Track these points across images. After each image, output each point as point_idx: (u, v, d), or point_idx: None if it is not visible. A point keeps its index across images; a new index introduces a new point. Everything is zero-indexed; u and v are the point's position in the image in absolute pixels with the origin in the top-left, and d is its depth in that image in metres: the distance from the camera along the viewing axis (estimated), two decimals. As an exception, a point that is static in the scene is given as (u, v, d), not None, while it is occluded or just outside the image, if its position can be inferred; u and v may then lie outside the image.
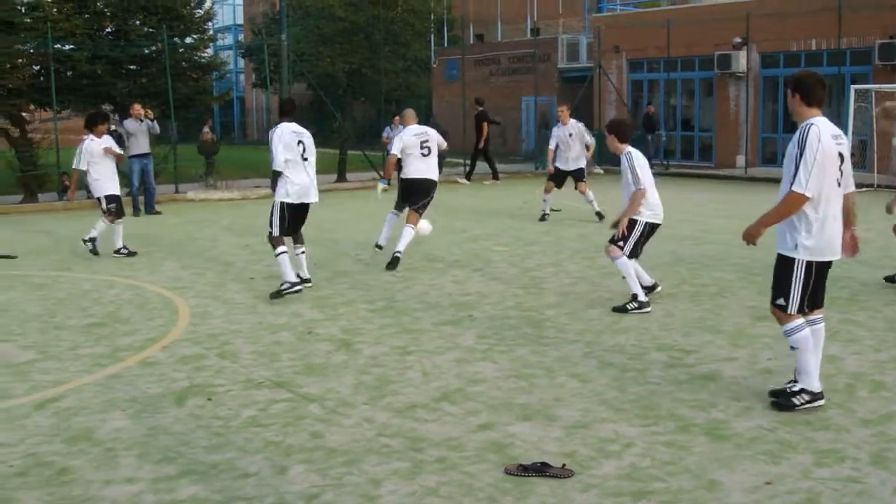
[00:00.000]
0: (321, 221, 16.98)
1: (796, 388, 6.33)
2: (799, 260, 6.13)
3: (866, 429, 5.92)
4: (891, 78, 25.52)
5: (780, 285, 6.25)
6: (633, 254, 9.56)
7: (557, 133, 17.18)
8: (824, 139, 5.99)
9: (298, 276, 10.31)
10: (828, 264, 6.28)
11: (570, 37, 39.45)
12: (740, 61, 28.96)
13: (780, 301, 6.24)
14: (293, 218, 10.29)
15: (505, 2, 48.27)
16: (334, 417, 6.22)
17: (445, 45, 44.62)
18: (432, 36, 42.98)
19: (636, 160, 9.58)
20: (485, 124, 26.17)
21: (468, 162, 27.51)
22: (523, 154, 37.15)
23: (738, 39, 28.92)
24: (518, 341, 8.16)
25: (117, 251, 13.06)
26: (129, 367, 7.51)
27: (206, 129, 27.73)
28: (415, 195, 11.95)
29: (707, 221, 16.57)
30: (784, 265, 6.23)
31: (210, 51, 39.12)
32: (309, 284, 10.52)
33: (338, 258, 12.76)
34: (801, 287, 6.16)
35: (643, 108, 32.79)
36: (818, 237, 6.10)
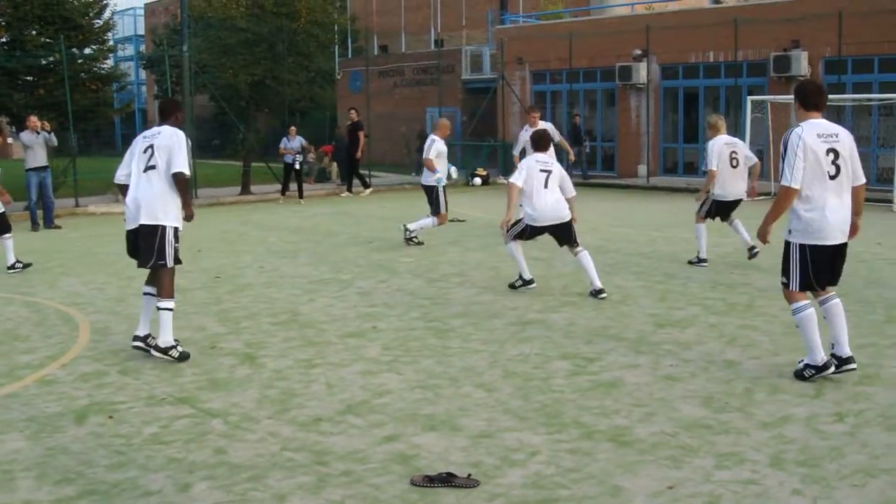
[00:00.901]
0: (224, 233, 16.83)
1: (801, 365, 7.19)
2: (794, 244, 7.02)
3: (765, 431, 6.04)
4: (785, 89, 26.15)
5: (784, 266, 7.15)
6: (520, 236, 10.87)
7: (524, 137, 16.94)
8: (805, 138, 6.85)
9: (145, 338, 8.13)
10: (828, 248, 6.98)
11: (474, 48, 39.69)
12: (641, 73, 29.43)
13: (783, 279, 7.16)
14: (133, 249, 8.22)
15: (409, 14, 48.40)
16: (238, 432, 6.14)
17: (350, 56, 44.53)
18: (336, 47, 42.84)
19: (524, 162, 10.76)
20: (361, 134, 25.80)
21: (371, 172, 27.50)
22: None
23: (639, 51, 29.41)
24: (423, 352, 8.15)
25: (11, 267, 12.71)
26: (26, 387, 7.32)
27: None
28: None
29: (609, 230, 16.78)
30: (785, 249, 7.13)
31: (110, 62, 38.48)
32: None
33: (241, 271, 12.62)
34: (798, 268, 7.02)
35: (548, 118, 33.06)
36: (810, 224, 6.91)
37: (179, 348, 7.99)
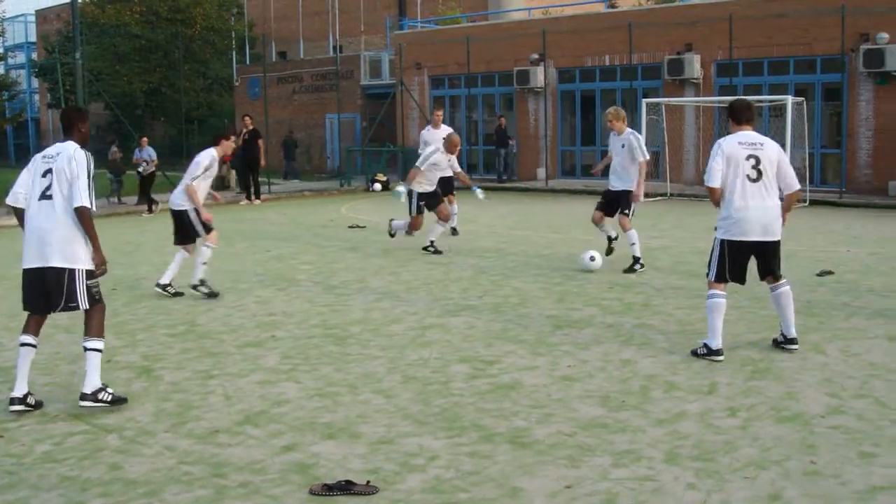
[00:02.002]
0: (120, 244, 16.52)
1: (701, 343, 7.95)
2: (716, 238, 7.88)
3: (660, 428, 6.15)
4: (679, 91, 26.70)
5: (708, 258, 8.01)
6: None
7: (426, 137, 16.79)
8: (725, 146, 7.79)
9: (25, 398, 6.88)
10: (745, 244, 7.79)
11: (373, 54, 39.70)
12: (538, 77, 29.71)
13: (706, 270, 8.07)
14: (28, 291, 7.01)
15: (307, 20, 48.19)
16: (133, 447, 6.04)
17: (248, 62, 44.16)
18: (234, 54, 42.48)
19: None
20: (261, 141, 25.21)
21: (270, 179, 27.24)
22: (329, 171, 37.09)
23: (536, 55, 29.69)
24: (322, 360, 8.11)
25: None
26: (-89, 406, 7.10)
27: (115, 148, 27.78)
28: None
29: (508, 233, 16.91)
30: (713, 245, 7.97)
31: (0, 70, 37.61)
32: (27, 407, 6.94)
33: (137, 282, 12.41)
34: (717, 260, 7.85)
35: (447, 122, 33.19)
36: (730, 221, 7.75)
37: (110, 390, 6.90)
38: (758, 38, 25.10)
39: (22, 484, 5.46)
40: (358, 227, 18.32)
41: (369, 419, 6.47)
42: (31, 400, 6.89)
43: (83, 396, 6.80)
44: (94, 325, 6.91)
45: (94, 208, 6.75)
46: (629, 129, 12.51)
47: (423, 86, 33.44)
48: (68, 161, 6.74)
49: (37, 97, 64.45)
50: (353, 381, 7.44)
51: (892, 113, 23.37)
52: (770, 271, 8.00)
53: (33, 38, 65.82)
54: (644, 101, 24.80)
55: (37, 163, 6.94)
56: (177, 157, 29.60)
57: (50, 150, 6.97)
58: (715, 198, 7.86)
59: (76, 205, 6.66)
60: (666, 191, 24.51)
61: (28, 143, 65.74)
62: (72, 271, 6.74)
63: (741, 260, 7.87)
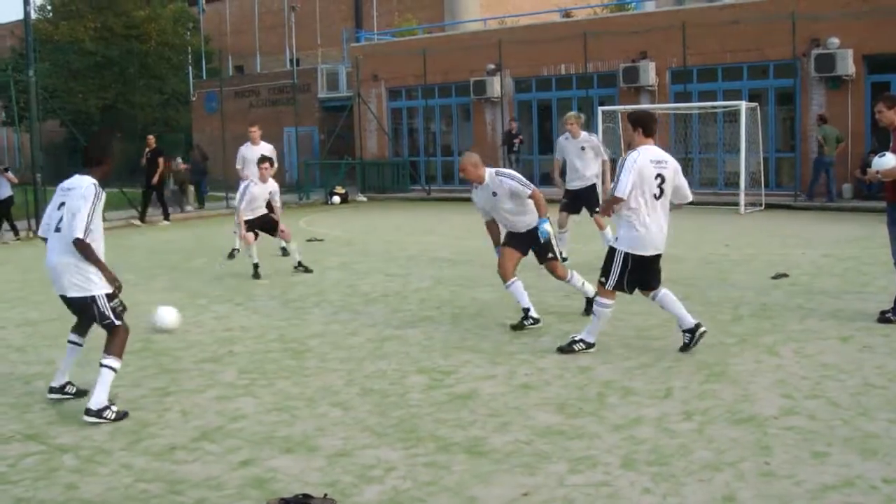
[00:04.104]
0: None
1: (577, 338, 8.36)
2: (618, 250, 8.03)
3: (617, 434, 6.19)
4: (635, 99, 26.88)
5: (605, 268, 8.16)
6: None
7: (244, 154, 16.69)
8: (640, 161, 7.89)
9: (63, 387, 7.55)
10: (644, 258, 8.04)
11: (330, 66, 39.67)
12: (495, 86, 29.82)
13: (602, 279, 8.17)
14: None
15: (263, 34, 48.13)
16: (90, 466, 5.99)
17: (204, 77, 43.99)
18: (190, 69, 42.31)
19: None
20: (161, 160, 24.56)
21: (228, 194, 27.04)
22: (287, 185, 36.96)
23: (492, 66, 29.80)
24: (280, 374, 8.09)
25: None
26: None
27: (180, 160, 28.68)
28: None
29: (464, 244, 16.93)
30: (609, 253, 8.17)
31: (-49, 88, 37.18)
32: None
33: (94, 300, 12.29)
34: (618, 271, 8.05)
35: (404, 134, 33.32)
36: (632, 235, 7.96)
37: (114, 408, 7.00)
38: (711, 44, 25.34)
39: (-25, 506, 5.41)
40: (316, 240, 18.28)
41: (327, 432, 6.46)
42: (70, 389, 7.58)
43: (88, 412, 6.90)
44: (115, 343, 7.19)
45: (82, 236, 6.92)
46: (585, 132, 13.06)
47: (381, 98, 33.45)
48: (77, 197, 7.03)
49: (-9, 115, 63.83)
50: (311, 394, 7.43)
51: (844, 116, 23.66)
52: (654, 285, 8.31)
53: (-14, 56, 65.22)
54: (600, 109, 24.95)
55: (56, 194, 7.25)
56: (134, 174, 29.38)
57: (66, 183, 7.26)
58: (616, 205, 7.99)
59: (71, 238, 6.92)
60: (623, 198, 24.65)
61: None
62: (92, 298, 7.13)
63: (639, 272, 8.12)
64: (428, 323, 10.00)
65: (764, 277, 12.01)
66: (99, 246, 7.15)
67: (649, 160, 7.94)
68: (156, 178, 24.50)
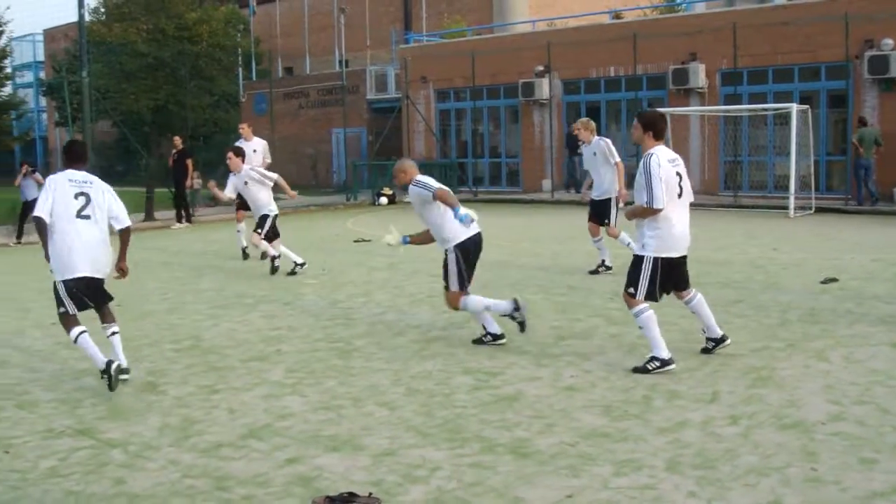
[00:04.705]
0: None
1: (648, 357, 7.83)
2: (647, 257, 7.75)
3: (662, 437, 6.17)
4: (684, 101, 26.73)
5: (632, 278, 7.83)
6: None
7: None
8: (662, 164, 7.67)
9: (109, 363, 7.72)
10: (675, 260, 7.89)
11: (378, 68, 39.79)
12: (543, 88, 29.77)
13: (631, 290, 7.81)
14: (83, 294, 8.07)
15: (313, 35, 48.35)
16: (138, 462, 6.07)
17: (254, 78, 44.29)
18: (240, 70, 42.59)
19: None
20: (189, 161, 24.52)
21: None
22: (335, 186, 37.17)
23: (541, 68, 29.75)
24: (326, 373, 8.15)
25: None
26: (-82, 424, 7.15)
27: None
28: None
29: (513, 246, 16.92)
30: (636, 262, 7.85)
31: (8, 89, 37.80)
32: (126, 376, 8.05)
33: (144, 298, 12.46)
34: (648, 279, 7.76)
35: (452, 136, 33.38)
36: (660, 239, 7.74)
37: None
38: (762, 46, 25.13)
39: (27, 499, 5.50)
40: (363, 241, 18.35)
41: (373, 431, 6.50)
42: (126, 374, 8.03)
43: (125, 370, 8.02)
44: (111, 312, 8.32)
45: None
46: (597, 137, 13.10)
47: (429, 99, 33.52)
48: (104, 192, 7.98)
49: (44, 116, 64.69)
50: (358, 393, 7.48)
51: (897, 119, 23.39)
52: (684, 285, 8.17)
53: (41, 58, 66.03)
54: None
55: (61, 184, 7.86)
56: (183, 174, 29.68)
57: (77, 176, 7.96)
58: (650, 214, 7.72)
59: (125, 225, 8.10)
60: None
61: (36, 161, 66.01)
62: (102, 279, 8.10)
63: (671, 275, 7.93)
64: (474, 324, 9.99)
65: (813, 282, 11.90)
66: None
67: (667, 160, 7.78)
68: (189, 182, 24.67)
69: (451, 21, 39.84)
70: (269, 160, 17.08)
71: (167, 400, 7.52)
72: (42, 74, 64.22)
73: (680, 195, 7.84)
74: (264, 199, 14.08)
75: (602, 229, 13.17)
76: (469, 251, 9.11)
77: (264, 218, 14.02)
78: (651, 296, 7.82)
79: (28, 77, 65.89)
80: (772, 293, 11.24)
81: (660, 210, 7.64)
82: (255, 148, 16.72)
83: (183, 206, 24.76)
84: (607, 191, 12.94)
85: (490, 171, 32.88)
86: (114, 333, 8.23)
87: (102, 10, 39.92)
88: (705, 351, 8.30)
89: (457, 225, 8.96)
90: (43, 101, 63.93)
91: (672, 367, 7.71)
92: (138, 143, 29.76)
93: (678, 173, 7.83)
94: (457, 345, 9.07)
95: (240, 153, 14.46)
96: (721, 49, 25.75)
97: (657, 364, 7.73)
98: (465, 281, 9.03)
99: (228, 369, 8.43)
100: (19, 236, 20.89)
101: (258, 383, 7.91)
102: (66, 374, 8.48)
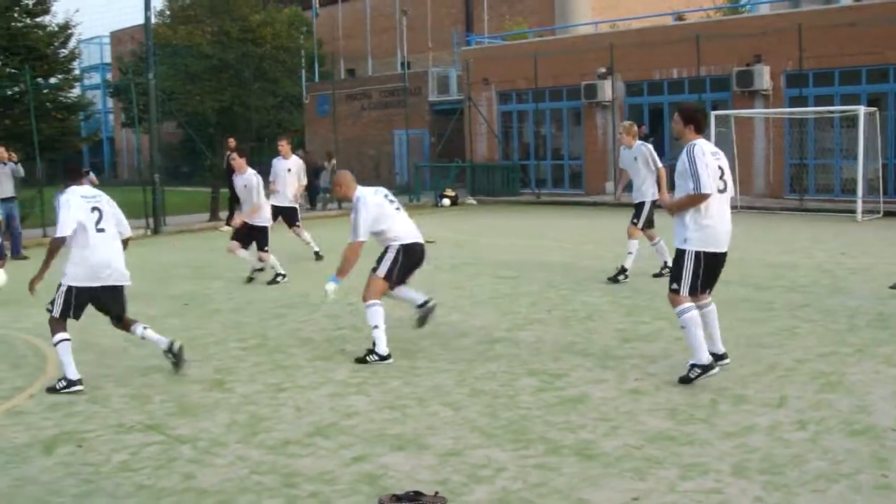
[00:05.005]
0: (192, 260, 16.82)
1: (689, 365, 7.57)
2: (689, 251, 7.51)
3: (728, 441, 6.13)
4: (749, 103, 26.46)
5: (675, 273, 7.64)
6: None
7: (276, 167, 16.39)
8: (707, 153, 7.48)
9: (171, 343, 8.41)
10: (718, 255, 7.63)
11: (440, 70, 39.86)
12: (606, 90, 29.65)
13: (674, 286, 7.58)
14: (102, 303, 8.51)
15: (375, 37, 48.55)
16: (207, 458, 6.17)
17: (317, 80, 44.60)
18: (303, 72, 42.92)
19: None
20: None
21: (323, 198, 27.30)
22: (397, 187, 37.32)
23: (603, 69, 29.64)
24: (391, 373, 8.20)
25: None
26: (-7, 417, 7.32)
27: (334, 161, 29.46)
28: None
29: (577, 248, 16.90)
30: (678, 257, 7.62)
31: (76, 91, 38.42)
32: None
33: (209, 297, 12.63)
34: (691, 273, 7.52)
35: (514, 138, 33.38)
36: (703, 232, 7.48)
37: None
38: (828, 47, 24.79)
39: (100, 492, 5.61)
40: (427, 241, 18.35)
41: (438, 431, 6.53)
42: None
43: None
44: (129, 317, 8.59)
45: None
46: (639, 142, 13.02)
47: (491, 101, 33.52)
48: (111, 204, 8.51)
49: (111, 117, 65.69)
50: (422, 393, 7.52)
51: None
52: (713, 285, 7.93)
53: (108, 59, 67.04)
54: (713, 113, 24.63)
55: (76, 201, 8.23)
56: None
57: (87, 192, 8.43)
58: (695, 204, 7.44)
59: (130, 235, 8.78)
60: (735, 203, 24.26)
61: (103, 161, 67.01)
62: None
63: (713, 271, 7.70)
64: (538, 326, 10.02)
65: (882, 286, 11.72)
66: None
67: (710, 152, 7.55)
68: None
69: (513, 23, 39.80)
70: (303, 181, 16.65)
71: (235, 397, 7.62)
72: (109, 76, 65.23)
73: (722, 190, 7.58)
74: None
75: (655, 233, 13.13)
76: (412, 254, 9.17)
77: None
78: (695, 291, 7.62)
79: (95, 79, 66.93)
80: (839, 298, 11.10)
81: (707, 196, 7.36)
82: (290, 167, 16.19)
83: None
84: (644, 193, 12.88)
85: (552, 173, 32.80)
86: (145, 328, 8.52)
87: (168, 12, 40.41)
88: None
89: (404, 228, 9.19)
90: (110, 103, 64.91)
91: (714, 371, 7.50)
92: (203, 144, 30.12)
93: (720, 167, 7.59)
94: (521, 346, 9.07)
95: (244, 154, 14.23)
96: (786, 51, 25.46)
97: (698, 371, 7.48)
98: (393, 273, 8.97)
99: (294, 368, 8.52)
100: None
101: (324, 382, 7.98)
102: (136, 371, 8.62)
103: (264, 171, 15.19)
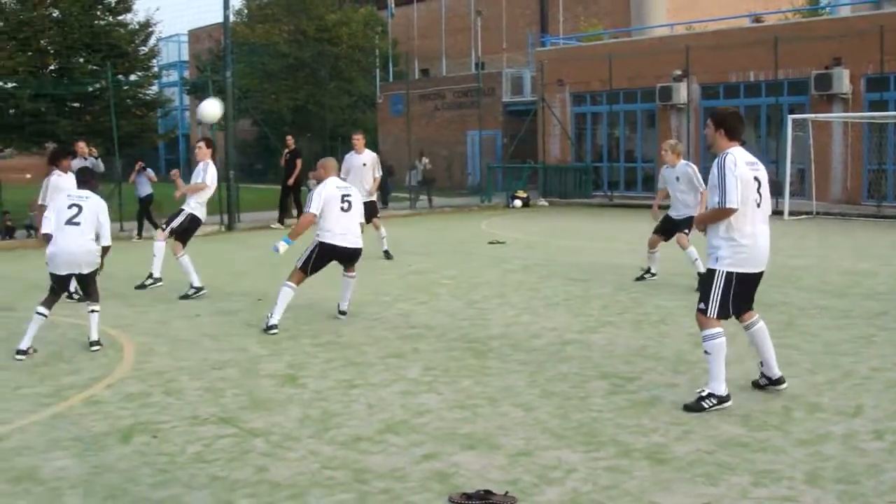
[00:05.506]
0: (262, 256, 16.98)
1: (704, 394, 7.00)
2: (720, 271, 6.98)
3: (802, 449, 6.06)
4: (827, 107, 26.08)
5: (704, 293, 7.14)
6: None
7: (351, 162, 16.26)
8: (739, 164, 6.90)
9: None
10: (752, 276, 7.11)
11: (514, 71, 39.87)
12: (681, 93, 29.43)
13: (702, 305, 7.10)
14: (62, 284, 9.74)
15: (449, 37, 48.68)
16: (279, 451, 6.24)
17: (390, 80, 44.83)
18: (378, 71, 43.19)
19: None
20: (299, 161, 24.43)
21: (411, 196, 27.39)
22: (469, 187, 37.36)
23: (679, 72, 29.40)
24: (462, 372, 8.22)
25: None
26: (73, 406, 7.46)
27: (426, 160, 29.94)
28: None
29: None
30: (708, 276, 7.14)
31: (155, 88, 38.99)
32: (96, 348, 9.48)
33: (284, 294, 12.74)
34: (720, 295, 7.00)
35: (588, 140, 33.24)
36: (736, 251, 6.96)
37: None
38: (911, 51, 24.35)
39: (175, 482, 5.70)
40: (498, 242, 18.43)
41: (508, 431, 6.54)
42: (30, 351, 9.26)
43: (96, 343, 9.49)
44: (96, 292, 9.68)
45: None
46: (683, 161, 12.77)
47: (565, 102, 33.43)
48: (97, 206, 9.67)
49: (188, 114, 66.65)
50: (493, 393, 7.53)
51: None
52: (751, 306, 7.38)
53: (186, 57, 68.12)
54: (790, 117, 24.31)
55: (59, 198, 9.85)
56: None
57: (76, 192, 9.80)
58: (722, 218, 6.97)
59: (107, 244, 9.73)
60: (811, 209, 23.94)
61: (178, 158, 68.02)
62: (94, 272, 9.63)
63: (747, 293, 7.19)
64: (609, 328, 9.98)
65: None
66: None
67: (745, 162, 6.96)
68: (291, 180, 24.43)
69: (588, 24, 39.66)
70: (378, 174, 16.42)
71: (307, 393, 7.70)
72: (186, 73, 66.19)
73: (759, 204, 7.02)
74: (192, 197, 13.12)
75: (660, 244, 13.07)
76: (328, 252, 10.59)
77: (180, 212, 13.09)
78: (724, 313, 7.04)
79: (173, 76, 67.95)
80: (918, 306, 10.90)
81: (733, 210, 6.84)
82: (365, 161, 16.07)
83: (292, 206, 24.64)
84: (691, 209, 12.44)
85: (625, 175, 32.63)
86: (92, 312, 9.59)
87: (246, 11, 40.98)
88: (757, 386, 7.52)
89: (329, 225, 10.50)
90: (186, 100, 65.87)
91: (728, 404, 6.91)
92: (278, 142, 30.42)
93: (757, 178, 7.02)
94: (592, 349, 9.04)
95: (210, 144, 13.33)
96: (867, 53, 25.05)
97: (714, 402, 6.90)
98: (308, 265, 10.49)
99: (366, 365, 8.58)
100: (140, 232, 21.51)
101: (395, 380, 8.03)
102: (209, 364, 8.74)
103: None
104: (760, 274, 7.18)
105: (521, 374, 8.11)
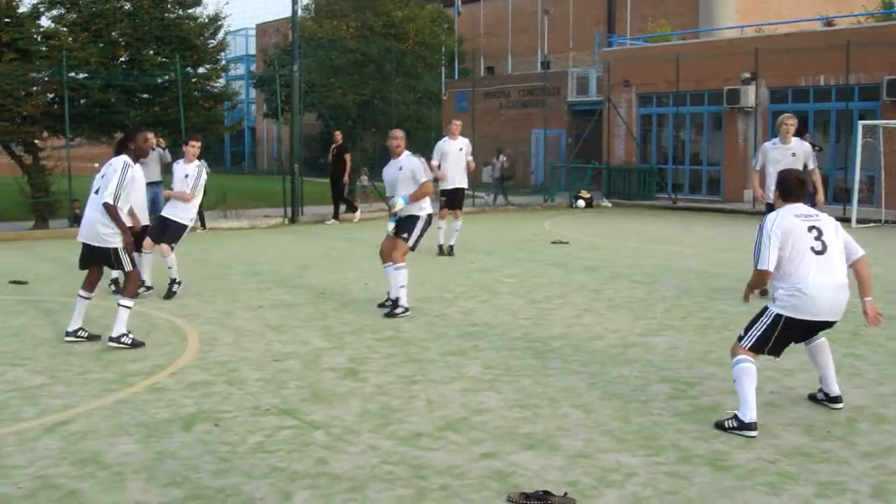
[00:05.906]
0: (328, 250, 17.11)
1: (730, 414, 6.80)
2: (771, 311, 6.83)
3: (867, 461, 5.96)
4: (899, 114, 25.64)
5: (749, 323, 6.96)
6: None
7: (444, 148, 16.45)
8: (780, 221, 6.79)
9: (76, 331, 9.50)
10: (808, 323, 6.81)
11: (580, 70, 39.68)
12: (749, 96, 29.10)
13: (741, 333, 6.96)
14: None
15: (516, 35, 48.59)
16: (339, 444, 6.27)
17: (456, 77, 44.85)
18: (443, 68, 43.24)
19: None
20: (347, 156, 24.36)
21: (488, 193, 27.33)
22: (532, 187, 37.28)
23: (747, 74, 29.09)
24: (523, 371, 8.21)
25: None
26: (137, 393, 7.58)
27: (503, 156, 30.33)
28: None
29: (714, 255, 16.62)
30: (761, 310, 6.96)
31: (222, 81, 39.32)
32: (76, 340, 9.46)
33: (345, 287, 12.84)
34: (762, 332, 6.81)
35: (653, 141, 33.03)
36: (793, 296, 6.70)
37: (130, 335, 9.29)
38: None
39: (235, 471, 5.76)
40: (561, 242, 18.37)
41: (568, 432, 6.52)
42: (82, 334, 9.50)
43: (110, 339, 9.25)
44: (128, 287, 9.41)
45: (111, 202, 9.11)
46: (796, 138, 12.68)
47: (631, 103, 33.22)
48: (110, 167, 9.32)
49: (254, 107, 67.27)
50: (554, 394, 7.51)
51: None
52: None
53: (253, 51, 68.73)
54: (860, 123, 23.94)
55: (102, 168, 9.58)
56: (372, 169, 30.34)
57: (108, 162, 9.50)
58: (762, 281, 6.96)
59: (101, 202, 9.19)
60: (881, 217, 23.57)
61: (243, 150, 68.68)
62: (114, 250, 9.30)
63: (794, 337, 6.95)
64: (672, 332, 9.90)
65: None
66: (124, 209, 9.30)
67: (793, 215, 6.81)
68: (346, 177, 24.43)
69: (656, 25, 39.36)
70: (471, 159, 16.80)
71: (368, 387, 7.73)
72: (253, 67, 66.79)
73: (821, 252, 6.75)
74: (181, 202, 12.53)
75: None
76: (430, 223, 11.38)
77: (181, 227, 12.57)
78: (759, 350, 6.82)
79: (240, 69, 68.59)
80: None
81: (766, 272, 6.72)
82: (461, 146, 16.41)
83: (344, 201, 24.65)
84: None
85: (690, 178, 32.35)
86: (87, 298, 9.67)
87: (313, 6, 41.23)
88: (813, 399, 7.34)
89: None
90: (253, 93, 66.48)
91: (750, 434, 6.49)
92: (343, 136, 30.58)
93: (813, 227, 6.79)
94: (654, 352, 8.98)
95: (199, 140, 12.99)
96: (943, 60, 24.58)
97: (734, 424, 6.61)
98: (418, 243, 11.19)
99: (427, 361, 8.60)
100: (203, 223, 21.69)
101: (456, 377, 8.04)
102: (271, 356, 8.82)
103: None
104: (823, 323, 6.88)
105: (582, 376, 8.08)
